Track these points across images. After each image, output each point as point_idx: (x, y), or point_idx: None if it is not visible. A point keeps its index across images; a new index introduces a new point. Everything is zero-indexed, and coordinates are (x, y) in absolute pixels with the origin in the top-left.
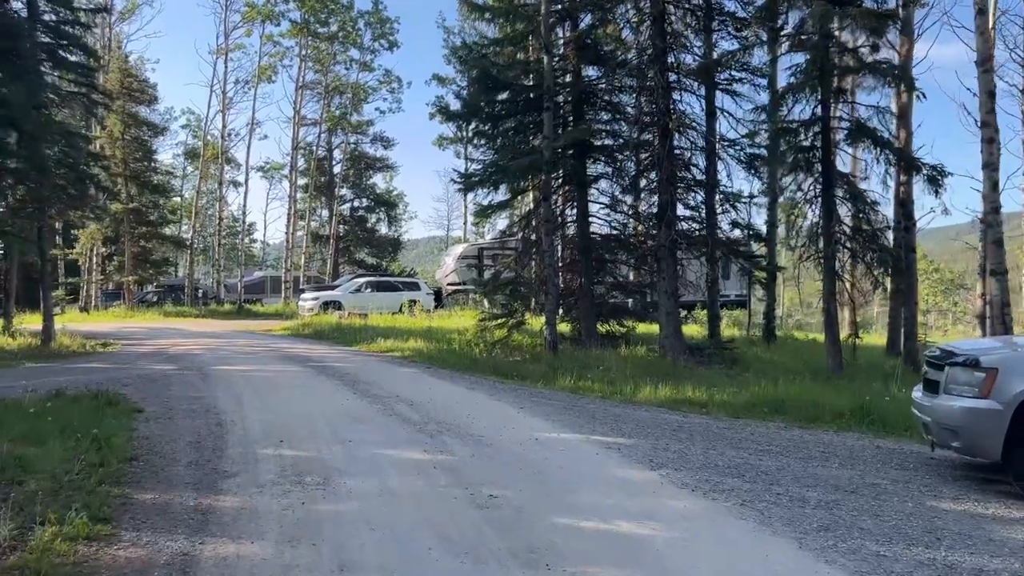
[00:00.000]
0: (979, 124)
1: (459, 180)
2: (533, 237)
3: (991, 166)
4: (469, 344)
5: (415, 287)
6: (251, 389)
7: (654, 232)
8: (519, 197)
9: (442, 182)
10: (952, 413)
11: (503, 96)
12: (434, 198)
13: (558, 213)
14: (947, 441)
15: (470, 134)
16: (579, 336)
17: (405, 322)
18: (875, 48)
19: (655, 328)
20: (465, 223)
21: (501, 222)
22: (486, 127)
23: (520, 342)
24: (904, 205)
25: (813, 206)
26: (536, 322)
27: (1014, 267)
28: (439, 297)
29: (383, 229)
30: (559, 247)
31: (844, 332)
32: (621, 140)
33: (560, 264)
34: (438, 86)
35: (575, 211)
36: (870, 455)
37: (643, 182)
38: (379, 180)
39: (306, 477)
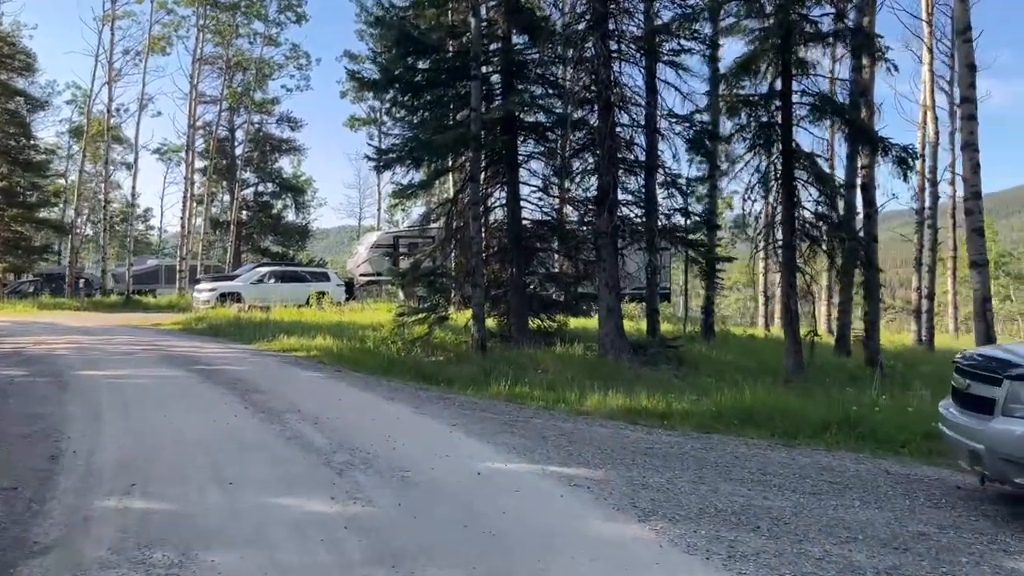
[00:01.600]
0: (959, 100)
1: (374, 157)
2: (456, 224)
3: (972, 146)
4: (385, 342)
5: (324, 278)
6: (116, 403)
7: (589, 219)
8: (442, 178)
9: (354, 167)
10: (1021, 441)
11: (424, 64)
12: (345, 184)
13: (485, 196)
14: (1010, 476)
15: (387, 105)
16: (509, 333)
17: (313, 316)
18: (839, 16)
19: (590, 323)
20: (379, 210)
21: (417, 209)
22: (405, 98)
23: (443, 339)
24: (866, 190)
25: (772, 190)
26: (461, 317)
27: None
28: (351, 289)
29: (290, 216)
30: (486, 234)
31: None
32: (556, 116)
33: (488, 253)
34: (351, 63)
35: (505, 194)
36: (886, 485)
37: (578, 163)
38: (286, 164)
39: (156, 551)
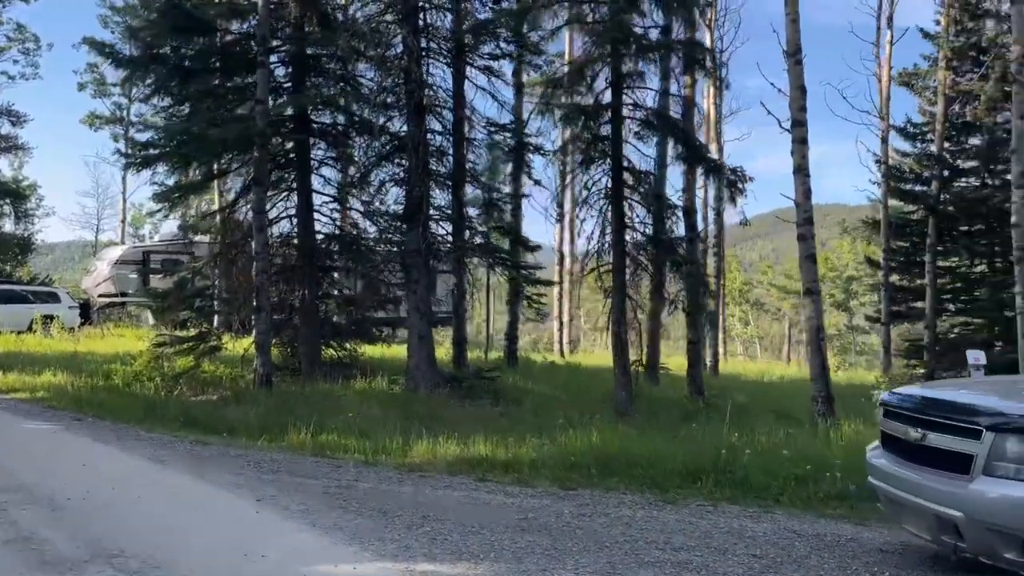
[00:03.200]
0: (790, 124)
1: (130, 154)
2: (232, 237)
3: (804, 170)
4: (139, 378)
5: (53, 299)
6: None
7: (389, 235)
8: (213, 182)
9: (92, 172)
10: (1015, 510)
11: (199, 45)
12: (81, 193)
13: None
14: (999, 550)
15: (147, 91)
16: (297, 365)
17: (38, 345)
18: (667, 31)
19: (391, 352)
20: (124, 222)
21: (170, 222)
22: (172, 83)
23: (214, 374)
24: (689, 214)
25: (602, 210)
26: (237, 347)
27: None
28: (86, 312)
29: (7, 226)
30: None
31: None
32: (357, 118)
33: (273, 272)
34: (91, 54)
35: (295, 203)
36: (810, 552)
37: (382, 173)
38: (3, 165)
39: None
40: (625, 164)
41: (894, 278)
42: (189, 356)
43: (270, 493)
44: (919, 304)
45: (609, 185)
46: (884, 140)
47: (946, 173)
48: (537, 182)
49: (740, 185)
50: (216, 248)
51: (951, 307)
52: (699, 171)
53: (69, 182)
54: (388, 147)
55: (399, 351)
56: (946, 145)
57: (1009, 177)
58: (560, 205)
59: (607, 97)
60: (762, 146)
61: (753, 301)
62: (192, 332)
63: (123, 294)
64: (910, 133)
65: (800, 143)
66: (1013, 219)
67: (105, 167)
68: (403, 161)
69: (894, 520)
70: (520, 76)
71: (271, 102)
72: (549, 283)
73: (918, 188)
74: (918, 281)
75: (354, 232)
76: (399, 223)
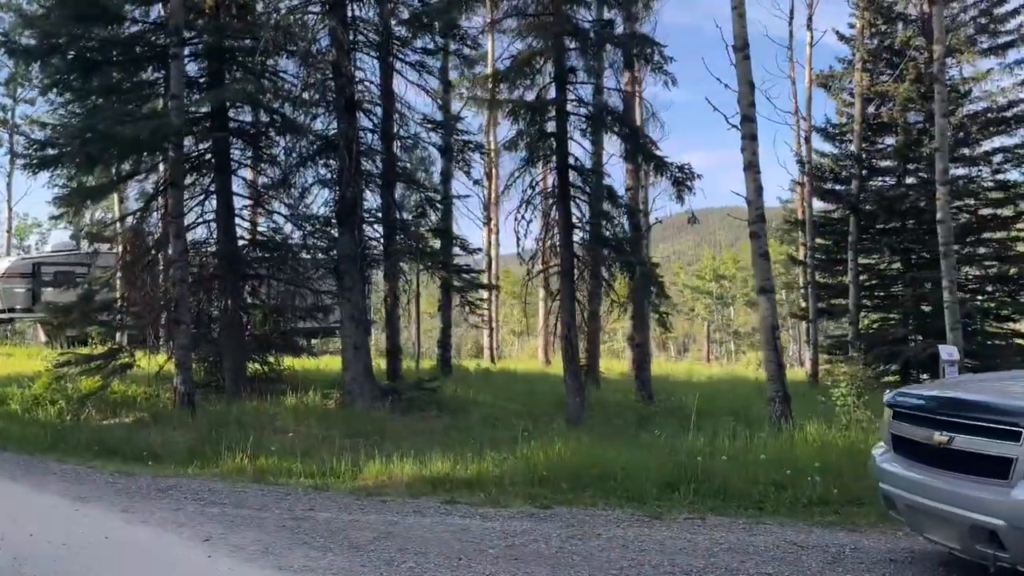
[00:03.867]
0: (740, 120)
1: (26, 155)
2: (144, 243)
3: (754, 167)
4: (39, 402)
5: None
6: None
7: (315, 239)
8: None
9: None
10: None
11: (103, 34)
12: None
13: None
14: None
15: (44, 85)
16: (219, 382)
17: None
18: (607, 24)
19: (320, 364)
20: (9, 232)
21: (58, 232)
22: (72, 76)
23: (125, 394)
24: (633, 214)
25: (546, 210)
26: (150, 363)
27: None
28: None
29: None
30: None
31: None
32: (279, 116)
33: (191, 281)
34: None
35: (214, 206)
36: (824, 568)
37: (308, 174)
38: None
39: None
40: (571, 162)
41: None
42: (96, 376)
43: (218, 531)
44: (840, 300)
45: (554, 183)
46: (807, 140)
47: (864, 172)
48: (476, 182)
49: (688, 183)
50: (127, 257)
51: (867, 303)
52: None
53: None
54: (315, 146)
55: (328, 362)
56: (863, 145)
57: (924, 176)
58: (487, 208)
59: (551, 93)
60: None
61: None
62: (100, 349)
63: (9, 309)
64: (830, 133)
65: (750, 139)
66: (939, 215)
67: None
68: (331, 161)
69: (914, 529)
70: (447, 73)
71: (190, 97)
72: (489, 287)
73: (838, 187)
74: (840, 279)
75: (277, 237)
76: (326, 227)
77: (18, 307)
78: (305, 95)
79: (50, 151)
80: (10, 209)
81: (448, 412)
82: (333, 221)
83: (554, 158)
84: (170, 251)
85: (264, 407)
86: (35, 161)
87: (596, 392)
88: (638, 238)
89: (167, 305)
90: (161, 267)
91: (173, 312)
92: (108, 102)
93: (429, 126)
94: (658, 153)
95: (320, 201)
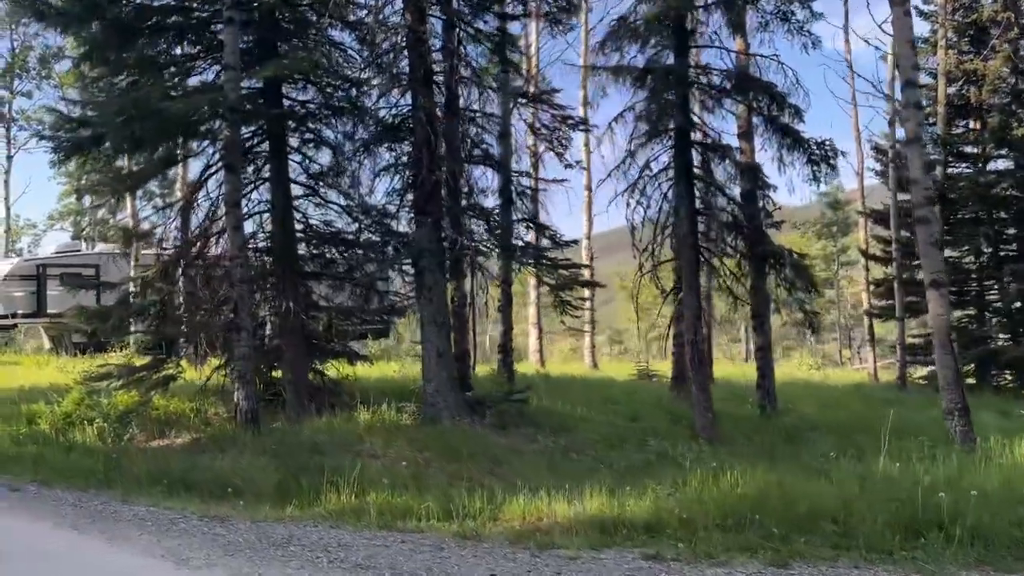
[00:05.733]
0: (901, 85)
1: (53, 135)
2: (190, 235)
3: (919, 140)
4: (71, 422)
5: None
6: None
7: (382, 234)
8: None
9: None
10: None
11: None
12: None
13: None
14: None
15: (80, 51)
16: (279, 395)
17: None
18: None
19: (372, 372)
20: (8, 232)
21: (55, 235)
22: (111, 50)
23: (167, 410)
24: (753, 198)
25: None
26: (194, 374)
27: None
28: None
29: None
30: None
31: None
32: (342, 92)
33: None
34: None
35: (268, 195)
36: None
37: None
38: None
39: None
40: (696, 138)
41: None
42: (135, 390)
43: None
44: (912, 298)
45: (671, 162)
46: (891, 123)
47: (949, 158)
48: (569, 165)
49: (832, 161)
50: (170, 254)
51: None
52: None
53: None
54: (381, 127)
55: (380, 370)
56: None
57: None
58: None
59: (667, 60)
60: None
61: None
62: (138, 360)
63: (12, 315)
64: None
65: (916, 108)
66: None
67: None
68: (397, 145)
69: None
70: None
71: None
72: (592, 284)
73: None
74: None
75: (341, 228)
76: (385, 218)
77: (21, 312)
78: (371, 69)
79: (86, 134)
80: (8, 208)
81: (547, 429)
82: (400, 212)
83: (671, 133)
84: (222, 247)
85: (336, 425)
86: (66, 144)
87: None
88: (770, 224)
89: (218, 308)
90: (202, 265)
91: (230, 316)
92: (146, 77)
93: (521, 102)
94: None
95: (380, 190)
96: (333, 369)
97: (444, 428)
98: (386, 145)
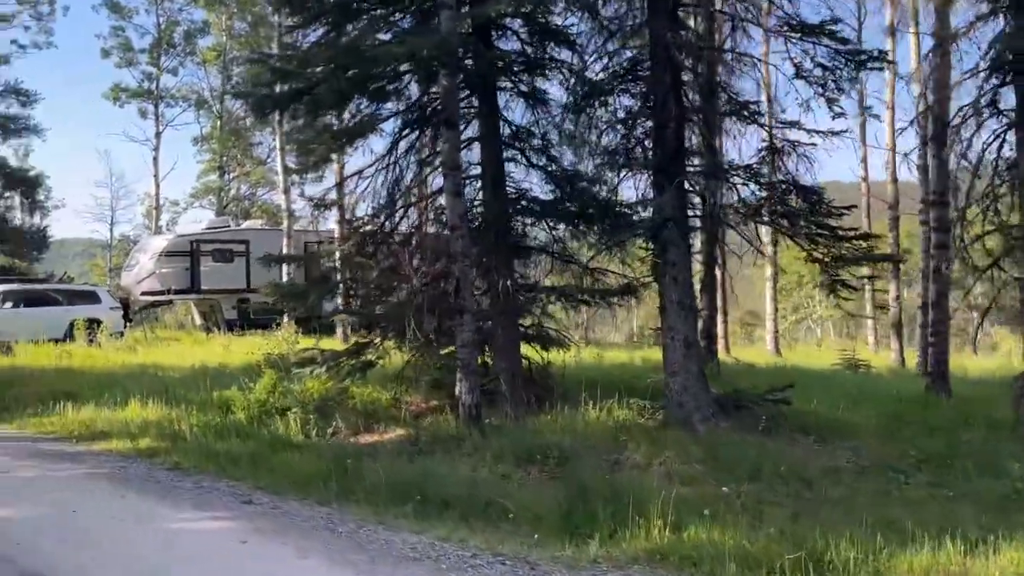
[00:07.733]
0: None
1: (248, 92)
2: (405, 202)
3: None
4: (266, 410)
5: (91, 298)
6: None
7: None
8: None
9: (103, 159)
10: None
11: None
12: (95, 183)
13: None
14: None
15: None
16: (489, 386)
17: (88, 357)
18: None
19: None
20: (158, 208)
21: (196, 212)
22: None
23: (365, 399)
24: None
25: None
26: (391, 361)
27: None
28: (126, 313)
29: (18, 218)
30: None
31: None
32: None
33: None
34: (112, 17)
35: (478, 155)
36: None
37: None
38: (8, 151)
39: None
40: None
41: None
42: (335, 377)
43: None
44: None
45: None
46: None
47: None
48: (839, 115)
49: None
50: (380, 224)
51: None
52: None
53: (78, 170)
54: (612, 70)
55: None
56: None
57: None
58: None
59: None
60: None
61: None
62: (354, 344)
63: (168, 291)
64: None
65: None
66: None
67: (122, 152)
68: (630, 89)
69: None
70: None
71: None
72: (894, 259)
73: None
74: None
75: (567, 190)
76: (597, 184)
77: (174, 288)
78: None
79: (295, 86)
80: (157, 185)
81: (817, 436)
82: (624, 175)
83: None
84: (451, 216)
85: (567, 423)
86: (273, 99)
87: (946, 401)
88: None
89: (427, 287)
90: (398, 238)
91: (452, 296)
92: (346, 25)
93: (792, 36)
94: None
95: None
96: (536, 356)
97: (706, 435)
98: (600, 100)
